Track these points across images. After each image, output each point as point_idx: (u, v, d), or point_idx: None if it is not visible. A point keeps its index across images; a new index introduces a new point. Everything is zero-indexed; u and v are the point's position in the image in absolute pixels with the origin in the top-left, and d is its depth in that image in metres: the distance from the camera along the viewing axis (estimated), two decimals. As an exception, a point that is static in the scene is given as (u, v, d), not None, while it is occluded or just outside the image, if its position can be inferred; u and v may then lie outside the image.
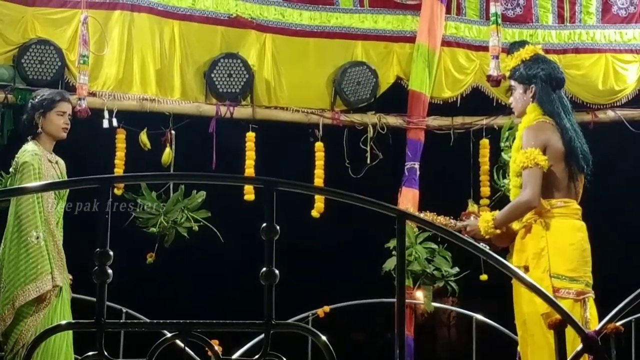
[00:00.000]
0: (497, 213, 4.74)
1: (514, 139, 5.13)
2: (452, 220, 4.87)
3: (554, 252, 4.55)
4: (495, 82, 6.80)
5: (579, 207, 4.71)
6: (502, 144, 7.49)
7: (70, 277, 5.35)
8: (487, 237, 4.68)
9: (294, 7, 7.77)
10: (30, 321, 5.05)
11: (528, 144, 4.64)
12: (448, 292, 7.60)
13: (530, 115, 4.79)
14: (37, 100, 5.37)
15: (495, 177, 7.57)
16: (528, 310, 4.55)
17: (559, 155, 4.66)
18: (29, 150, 5.23)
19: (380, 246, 7.28)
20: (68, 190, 5.31)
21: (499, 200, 7.32)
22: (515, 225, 4.71)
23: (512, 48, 5.04)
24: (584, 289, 4.51)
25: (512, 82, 4.93)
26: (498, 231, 4.68)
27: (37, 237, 5.05)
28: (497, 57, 6.76)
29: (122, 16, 7.30)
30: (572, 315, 4.27)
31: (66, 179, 5.34)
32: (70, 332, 5.22)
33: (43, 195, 5.13)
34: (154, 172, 5.91)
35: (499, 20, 6.81)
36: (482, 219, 4.74)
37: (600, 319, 3.01)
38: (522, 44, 5.07)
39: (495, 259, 2.87)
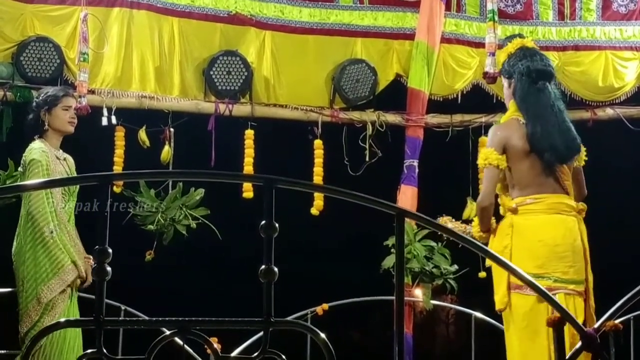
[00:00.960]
0: None
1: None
2: (463, 225, 4.90)
3: (518, 249, 4.52)
4: (492, 79, 6.79)
5: (561, 201, 4.63)
6: None
7: (91, 258, 5.35)
8: (481, 241, 4.69)
9: (294, 4, 7.76)
10: (47, 320, 5.05)
11: (487, 145, 4.67)
12: (447, 290, 7.59)
13: (508, 111, 4.80)
14: (41, 98, 5.43)
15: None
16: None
17: (520, 154, 4.61)
18: (36, 148, 5.26)
19: (379, 244, 7.28)
20: (78, 187, 5.34)
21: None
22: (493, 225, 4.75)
23: (503, 43, 5.04)
24: (550, 286, 4.43)
25: (501, 77, 4.94)
26: (485, 235, 4.70)
27: (51, 232, 5.08)
28: (493, 54, 6.75)
29: (121, 13, 7.29)
30: (534, 311, 4.33)
31: (75, 174, 5.37)
32: (80, 330, 5.24)
33: (53, 192, 5.15)
34: (153, 170, 5.91)
35: (496, 17, 6.80)
36: (473, 224, 4.78)
37: (598, 317, 3.01)
38: (513, 38, 5.05)
39: (497, 259, 2.88)
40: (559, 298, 4.45)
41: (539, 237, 4.54)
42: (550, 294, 4.43)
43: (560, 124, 4.68)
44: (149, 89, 7.33)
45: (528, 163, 4.61)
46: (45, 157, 5.21)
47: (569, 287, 4.51)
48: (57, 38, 7.09)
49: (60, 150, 5.42)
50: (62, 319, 4.78)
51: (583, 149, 4.81)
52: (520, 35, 5.13)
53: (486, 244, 4.69)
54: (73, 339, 5.18)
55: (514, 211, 4.59)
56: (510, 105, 4.79)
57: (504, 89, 4.91)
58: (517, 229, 4.56)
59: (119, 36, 7.27)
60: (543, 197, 4.60)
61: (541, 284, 4.43)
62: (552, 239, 4.54)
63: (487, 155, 4.58)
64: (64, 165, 5.37)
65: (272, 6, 7.70)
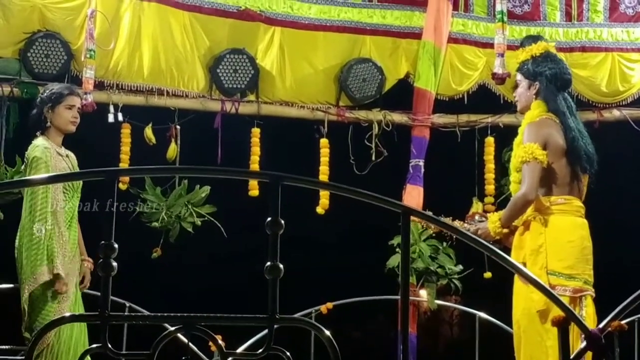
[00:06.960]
0: (502, 212, 4.75)
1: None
2: (465, 224, 4.90)
3: (552, 249, 4.55)
4: (500, 80, 6.80)
5: (581, 205, 4.73)
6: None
7: (90, 261, 5.37)
8: (497, 237, 4.69)
9: (304, 0, 7.73)
10: (49, 316, 5.05)
11: (528, 139, 4.66)
12: (451, 290, 7.60)
13: (534, 111, 4.80)
14: (46, 94, 5.44)
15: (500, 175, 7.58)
16: (524, 306, 4.57)
17: (560, 152, 4.68)
18: (39, 145, 5.29)
19: (384, 243, 7.27)
20: (81, 183, 5.35)
21: (503, 198, 7.31)
22: (518, 222, 4.71)
23: (524, 42, 5.07)
24: (582, 287, 4.52)
25: (518, 76, 4.95)
26: (506, 230, 4.69)
27: (39, 230, 5.09)
28: (502, 55, 6.75)
29: (132, 4, 7.24)
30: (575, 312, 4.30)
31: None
32: (85, 329, 5.25)
33: (54, 190, 5.16)
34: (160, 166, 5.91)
35: (505, 18, 6.81)
36: (490, 220, 4.76)
37: (601, 318, 3.01)
38: (535, 38, 5.09)
39: (504, 259, 2.87)
40: (587, 300, 4.50)
41: (568, 238, 4.61)
42: (580, 295, 4.51)
43: (586, 134, 4.81)
44: (156, 82, 7.28)
45: (563, 163, 4.69)
46: (47, 154, 5.23)
47: (592, 289, 4.59)
48: (65, 32, 7.03)
49: (63, 147, 5.45)
50: (67, 314, 4.78)
51: None
52: (541, 38, 5.15)
53: (500, 241, 4.71)
54: (79, 336, 5.19)
55: (544, 210, 4.61)
56: (536, 105, 4.82)
57: (520, 89, 4.91)
58: (550, 228, 4.59)
59: (130, 28, 7.18)
60: (572, 199, 4.69)
61: (572, 285, 4.49)
62: (580, 240, 4.63)
63: (533, 149, 4.59)
64: (67, 162, 5.39)
65: (281, 2, 7.65)
